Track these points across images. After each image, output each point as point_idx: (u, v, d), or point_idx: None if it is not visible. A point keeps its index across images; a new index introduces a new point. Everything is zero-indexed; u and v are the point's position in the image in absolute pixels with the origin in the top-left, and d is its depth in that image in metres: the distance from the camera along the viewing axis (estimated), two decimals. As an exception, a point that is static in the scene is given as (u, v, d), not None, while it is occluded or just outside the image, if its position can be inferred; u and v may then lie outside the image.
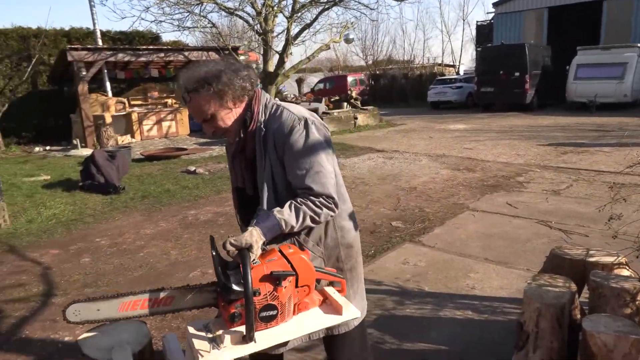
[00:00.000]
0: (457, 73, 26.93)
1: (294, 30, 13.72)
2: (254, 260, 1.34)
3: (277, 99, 14.34)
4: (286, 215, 1.44)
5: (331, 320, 1.46)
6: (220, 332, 1.34)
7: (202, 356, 1.27)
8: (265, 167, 1.56)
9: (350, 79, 22.97)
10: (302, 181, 1.49)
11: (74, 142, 11.78)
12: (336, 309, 1.48)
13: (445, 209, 5.18)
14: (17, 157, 10.85)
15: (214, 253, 1.34)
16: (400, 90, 24.58)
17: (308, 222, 1.48)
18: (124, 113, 12.60)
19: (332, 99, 14.81)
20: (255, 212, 1.49)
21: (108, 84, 12.99)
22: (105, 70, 12.78)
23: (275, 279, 1.33)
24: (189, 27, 13.24)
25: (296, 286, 1.40)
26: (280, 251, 1.42)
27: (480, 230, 4.41)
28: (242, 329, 1.32)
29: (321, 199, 1.49)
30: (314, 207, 1.47)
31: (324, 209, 1.49)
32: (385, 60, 29.54)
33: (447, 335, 2.68)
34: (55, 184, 7.39)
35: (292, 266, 1.38)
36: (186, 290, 1.44)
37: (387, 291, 3.27)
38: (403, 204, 5.45)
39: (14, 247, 4.61)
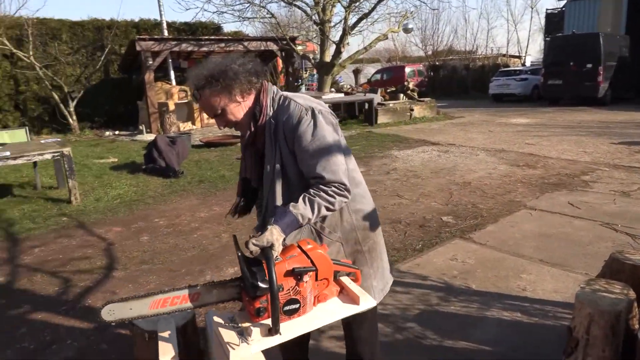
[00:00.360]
0: (523, 64, 25.65)
1: (352, 20, 13.64)
2: (275, 257, 1.39)
3: (333, 89, 14.34)
4: (301, 209, 1.48)
5: (349, 310, 1.51)
6: (246, 324, 1.40)
7: (233, 349, 1.34)
8: (275, 159, 1.61)
9: (408, 69, 22.51)
10: (314, 170, 1.53)
11: (140, 127, 12.42)
12: (353, 299, 1.53)
13: (501, 206, 4.99)
14: (90, 140, 11.62)
15: (239, 253, 1.40)
16: (460, 82, 23.80)
17: (324, 211, 1.52)
18: (186, 101, 13.09)
19: (388, 90, 14.60)
20: (260, 210, 1.59)
21: (172, 73, 13.55)
22: (170, 60, 13.33)
23: (297, 275, 1.38)
24: (249, 18, 13.55)
25: (316, 280, 1.45)
26: (300, 247, 1.46)
27: (536, 230, 4.22)
28: (267, 322, 1.38)
29: (333, 188, 1.52)
30: (327, 196, 1.51)
31: (337, 197, 1.52)
32: (445, 51, 28.68)
33: (492, 336, 2.60)
34: (122, 166, 7.86)
35: (311, 261, 1.43)
36: (211, 286, 1.51)
37: (432, 287, 3.21)
38: (455, 199, 5.31)
39: (83, 223, 4.96)
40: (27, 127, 7.30)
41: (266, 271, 1.35)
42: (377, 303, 1.74)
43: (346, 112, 13.67)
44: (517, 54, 28.94)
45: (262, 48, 14.15)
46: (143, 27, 15.00)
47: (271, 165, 1.62)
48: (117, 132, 12.94)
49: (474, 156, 7.75)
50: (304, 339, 2.01)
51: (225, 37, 14.39)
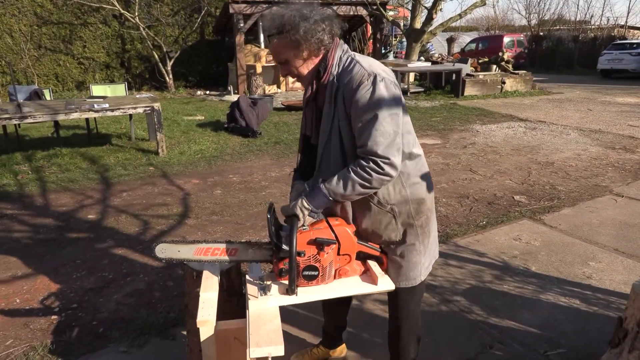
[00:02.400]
0: (644, 37, 22.69)
1: (447, -16, 12.91)
2: (302, 226, 1.51)
3: (422, 57, 13.82)
4: (333, 185, 1.51)
5: (365, 288, 1.58)
6: (269, 282, 1.56)
7: (250, 299, 1.51)
8: (332, 121, 1.56)
9: (506, 39, 20.91)
10: (360, 138, 1.49)
11: (229, 88, 12.99)
12: (373, 279, 1.58)
13: (582, 189, 4.62)
14: (182, 98, 12.40)
15: (268, 216, 1.51)
16: (565, 54, 21.69)
17: (359, 189, 1.49)
18: (273, 64, 13.39)
19: (480, 61, 13.78)
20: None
21: (262, 36, 13.86)
22: (261, 23, 13.63)
23: (319, 244, 1.49)
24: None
25: (338, 254, 1.53)
26: (328, 222, 1.56)
27: (619, 217, 3.87)
28: (287, 282, 1.51)
29: (372, 164, 1.46)
30: (363, 173, 1.47)
31: (374, 175, 1.46)
32: (552, 20, 26.17)
33: (542, 319, 2.49)
34: (207, 123, 8.35)
35: (335, 236, 1.52)
36: (248, 245, 1.66)
37: (488, 264, 3.12)
38: (533, 179, 4.99)
39: (166, 173, 5.41)
40: (126, 83, 7.97)
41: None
42: (421, 281, 1.73)
43: (432, 82, 13.17)
44: (638, 25, 25.65)
45: (352, 13, 13.94)
46: (237, -10, 15.41)
47: (327, 126, 1.58)
48: (207, 92, 13.65)
49: (564, 135, 7.16)
50: (344, 306, 2.11)
51: (315, 1, 14.34)
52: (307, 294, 1.52)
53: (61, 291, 2.90)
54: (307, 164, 1.79)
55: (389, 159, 1.46)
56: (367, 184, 1.48)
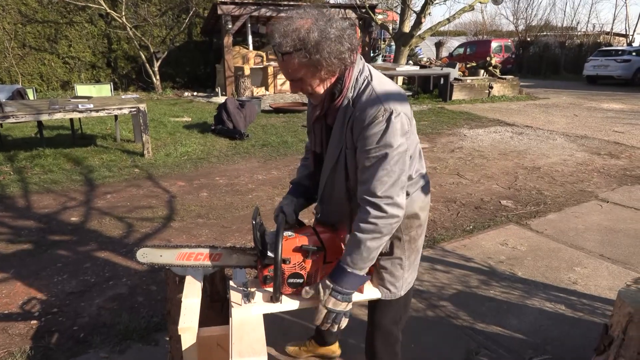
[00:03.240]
0: (629, 44, 23.10)
1: (436, -12, 13.01)
2: (290, 234, 1.49)
3: (410, 62, 13.86)
4: (352, 257, 1.43)
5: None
6: (253, 289, 1.53)
7: (233, 307, 1.48)
8: (340, 146, 1.49)
9: (494, 44, 21.14)
10: (364, 173, 1.42)
11: (216, 90, 12.91)
12: (358, 288, 1.55)
13: (569, 194, 4.65)
14: (169, 100, 12.29)
15: (254, 222, 1.48)
16: (552, 60, 21.99)
17: (373, 244, 1.41)
18: (262, 66, 13.35)
19: (468, 65, 13.88)
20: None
21: (250, 38, 13.82)
22: (249, 25, 13.59)
23: (304, 252, 1.47)
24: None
25: (324, 262, 1.50)
26: (314, 229, 1.54)
27: (604, 223, 3.91)
28: (272, 290, 1.48)
29: (372, 211, 1.39)
30: (368, 226, 1.40)
31: (378, 221, 1.39)
32: (539, 26, 26.50)
33: (528, 325, 2.49)
34: (194, 125, 8.27)
35: (321, 243, 1.50)
36: (232, 250, 1.63)
37: (475, 269, 3.12)
38: (520, 184, 5.02)
39: (152, 175, 5.34)
40: (111, 83, 7.86)
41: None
42: (400, 296, 1.67)
43: (420, 86, 13.23)
44: (623, 32, 26.09)
45: (340, 16, 13.96)
46: (226, -9, 15.33)
47: (336, 150, 1.51)
48: (195, 93, 13.55)
49: (551, 140, 7.23)
50: None
51: (304, 3, 14.35)
52: (292, 301, 1.49)
53: (41, 295, 2.82)
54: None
55: (391, 197, 1.39)
56: (376, 235, 1.40)
